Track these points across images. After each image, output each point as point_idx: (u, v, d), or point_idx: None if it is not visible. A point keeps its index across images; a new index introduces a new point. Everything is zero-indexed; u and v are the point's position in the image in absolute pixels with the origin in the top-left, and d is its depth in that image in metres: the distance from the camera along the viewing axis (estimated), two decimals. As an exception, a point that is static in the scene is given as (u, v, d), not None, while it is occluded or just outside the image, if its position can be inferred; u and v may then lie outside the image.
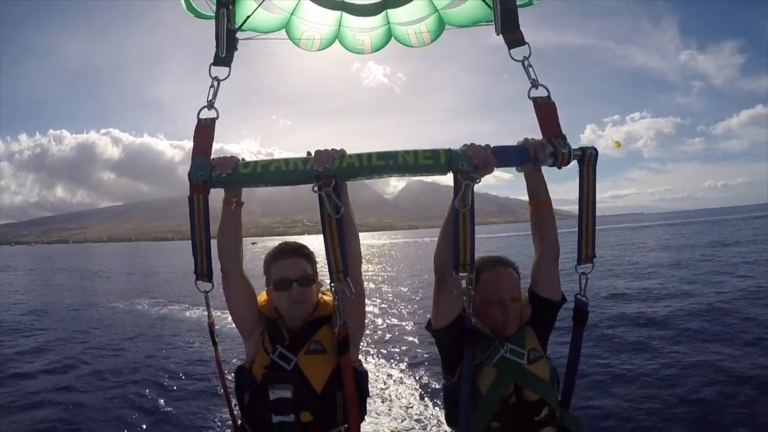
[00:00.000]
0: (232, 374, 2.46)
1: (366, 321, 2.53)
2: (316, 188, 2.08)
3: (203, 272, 2.32)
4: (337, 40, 3.04)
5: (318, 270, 2.49)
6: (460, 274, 2.09)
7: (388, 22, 2.95)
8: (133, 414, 8.35)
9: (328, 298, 2.45)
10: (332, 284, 2.16)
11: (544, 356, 2.43)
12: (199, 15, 2.71)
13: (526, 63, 2.36)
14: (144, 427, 7.87)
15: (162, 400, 8.96)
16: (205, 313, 2.45)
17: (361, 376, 2.37)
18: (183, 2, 2.72)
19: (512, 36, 2.36)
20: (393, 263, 45.36)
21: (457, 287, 2.11)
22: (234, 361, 9.12)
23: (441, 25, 2.90)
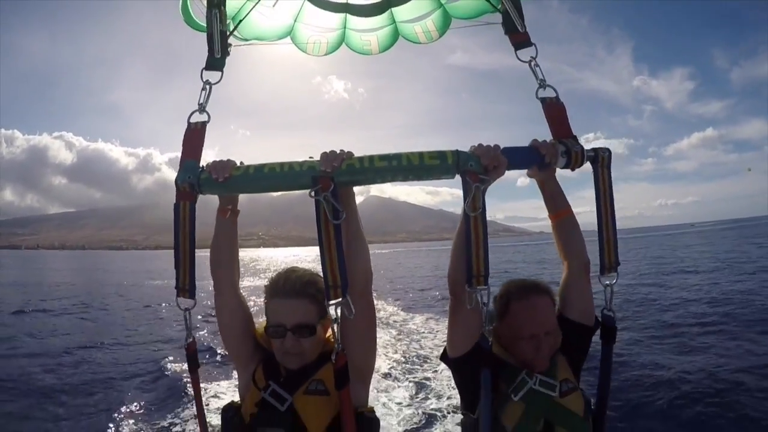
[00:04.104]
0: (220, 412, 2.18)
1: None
2: (312, 193, 1.87)
3: (185, 287, 2.08)
4: (344, 43, 3.01)
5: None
6: (475, 288, 1.87)
7: (394, 21, 2.92)
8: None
9: None
10: (328, 303, 1.87)
11: (578, 387, 2.18)
12: (197, 27, 2.61)
13: (532, 63, 2.31)
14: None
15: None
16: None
17: (368, 423, 2.03)
18: (181, 10, 2.64)
19: (519, 37, 2.34)
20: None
21: (472, 303, 1.89)
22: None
23: (447, 20, 2.86)
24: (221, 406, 2.18)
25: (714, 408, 7.84)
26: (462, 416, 2.26)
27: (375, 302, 2.10)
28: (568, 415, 2.08)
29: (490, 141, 2.01)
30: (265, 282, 2.13)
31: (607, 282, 2.11)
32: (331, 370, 1.91)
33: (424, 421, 7.98)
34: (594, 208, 2.12)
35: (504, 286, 2.27)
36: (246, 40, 2.70)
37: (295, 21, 2.86)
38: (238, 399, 2.16)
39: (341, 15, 2.88)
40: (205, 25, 2.38)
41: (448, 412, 8.22)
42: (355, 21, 2.91)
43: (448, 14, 2.85)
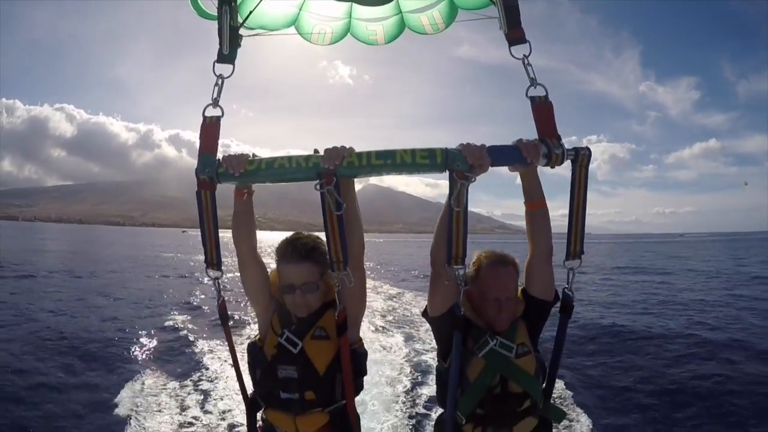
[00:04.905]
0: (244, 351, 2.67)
1: (367, 307, 2.66)
2: (318, 186, 2.16)
3: (213, 261, 2.48)
4: (349, 33, 3.03)
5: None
6: (454, 266, 2.18)
7: (400, 11, 2.93)
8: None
9: None
10: (333, 273, 2.27)
11: (533, 351, 2.53)
12: (204, 15, 2.67)
13: (525, 61, 2.37)
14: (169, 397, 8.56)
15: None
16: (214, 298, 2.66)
17: (360, 357, 2.54)
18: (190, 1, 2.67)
19: (513, 33, 2.38)
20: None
21: (449, 278, 2.22)
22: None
23: (453, 11, 2.87)
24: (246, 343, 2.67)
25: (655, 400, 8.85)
26: (437, 363, 2.65)
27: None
28: (521, 373, 2.45)
29: (492, 137, 1.95)
30: (275, 247, 2.54)
31: (571, 266, 2.41)
32: (331, 318, 2.43)
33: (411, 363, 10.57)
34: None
35: (476, 253, 2.65)
36: (252, 29, 2.72)
37: (300, 10, 2.87)
38: (257, 336, 2.64)
39: (347, 4, 2.89)
40: (212, 14, 2.46)
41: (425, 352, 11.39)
42: (361, 10, 2.92)
43: (454, 5, 2.85)
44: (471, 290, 2.57)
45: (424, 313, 2.59)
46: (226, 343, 2.72)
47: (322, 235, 2.33)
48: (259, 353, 2.53)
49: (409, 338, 13.13)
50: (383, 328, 14.69)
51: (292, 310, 2.50)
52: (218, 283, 2.56)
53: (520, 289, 2.59)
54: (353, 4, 2.89)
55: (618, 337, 13.49)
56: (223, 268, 2.52)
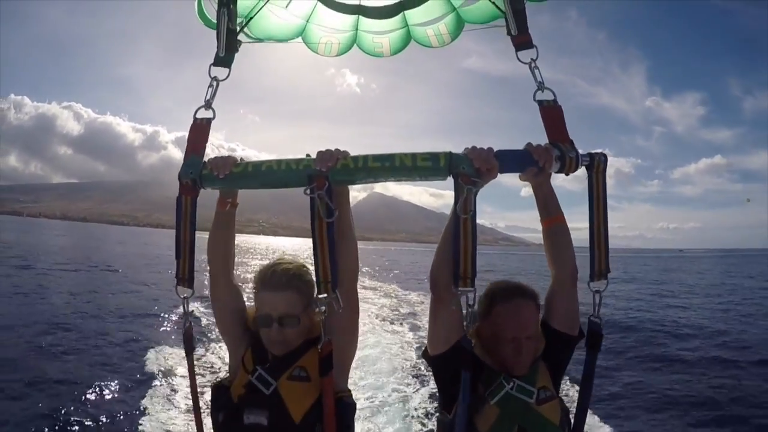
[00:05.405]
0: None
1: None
2: (308, 191, 1.96)
3: (184, 277, 2.22)
4: (355, 45, 3.03)
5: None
6: (461, 288, 1.89)
7: (407, 24, 2.93)
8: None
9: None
10: (318, 296, 1.99)
11: (557, 396, 2.17)
12: (210, 25, 2.63)
13: (532, 65, 2.29)
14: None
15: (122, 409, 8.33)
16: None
17: (347, 408, 2.14)
18: (196, 8, 2.68)
19: (520, 38, 2.31)
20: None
21: (456, 304, 1.94)
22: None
23: (460, 25, 2.87)
24: (211, 382, 2.30)
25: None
26: (439, 414, 2.27)
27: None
28: (544, 423, 2.07)
29: (499, 148, 2.00)
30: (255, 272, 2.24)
31: (597, 288, 2.10)
32: (314, 356, 2.05)
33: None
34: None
35: (489, 286, 2.26)
36: (259, 38, 2.73)
37: (307, 21, 2.88)
38: (226, 376, 2.28)
39: (354, 17, 2.90)
40: (213, 20, 2.42)
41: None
42: (367, 23, 2.93)
43: (461, 18, 2.85)
44: (481, 329, 2.24)
45: (424, 354, 2.25)
46: (188, 377, 2.37)
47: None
48: (225, 393, 2.17)
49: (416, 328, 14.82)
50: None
51: (267, 346, 2.16)
52: (188, 303, 2.25)
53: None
54: (360, 16, 2.90)
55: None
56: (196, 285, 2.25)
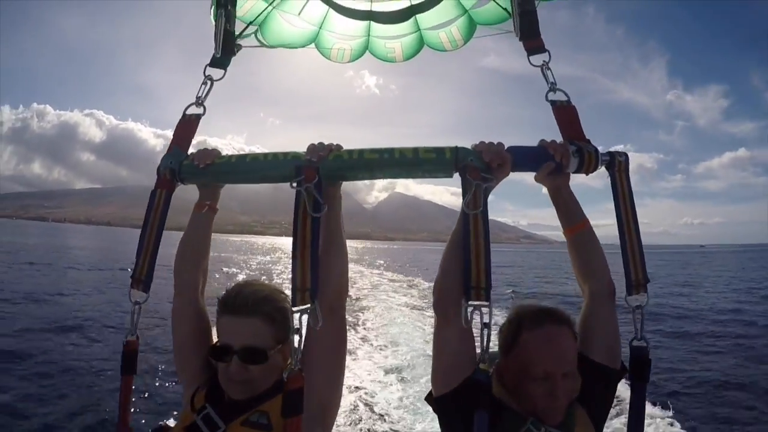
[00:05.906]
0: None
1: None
2: (294, 183, 1.65)
3: (140, 278, 1.89)
4: (368, 50, 3.02)
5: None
6: (473, 302, 1.51)
7: (419, 28, 2.91)
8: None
9: None
10: (292, 309, 1.52)
11: None
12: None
13: (544, 67, 2.13)
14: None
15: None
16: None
17: None
18: (211, 13, 2.72)
19: (532, 43, 2.20)
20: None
21: (466, 321, 1.51)
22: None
23: (472, 27, 2.82)
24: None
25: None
26: None
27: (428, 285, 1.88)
28: None
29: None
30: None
31: (638, 303, 1.75)
32: (281, 401, 1.49)
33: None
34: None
35: (514, 310, 1.82)
36: (272, 45, 2.74)
37: (320, 28, 2.88)
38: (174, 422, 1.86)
39: (365, 22, 2.89)
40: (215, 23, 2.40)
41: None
42: (379, 28, 2.91)
43: (473, 21, 2.81)
44: (505, 367, 1.78)
45: (428, 398, 1.77)
46: (119, 402, 1.87)
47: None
48: None
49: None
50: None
51: (224, 387, 1.69)
52: (139, 309, 1.87)
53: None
54: (371, 22, 2.89)
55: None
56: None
